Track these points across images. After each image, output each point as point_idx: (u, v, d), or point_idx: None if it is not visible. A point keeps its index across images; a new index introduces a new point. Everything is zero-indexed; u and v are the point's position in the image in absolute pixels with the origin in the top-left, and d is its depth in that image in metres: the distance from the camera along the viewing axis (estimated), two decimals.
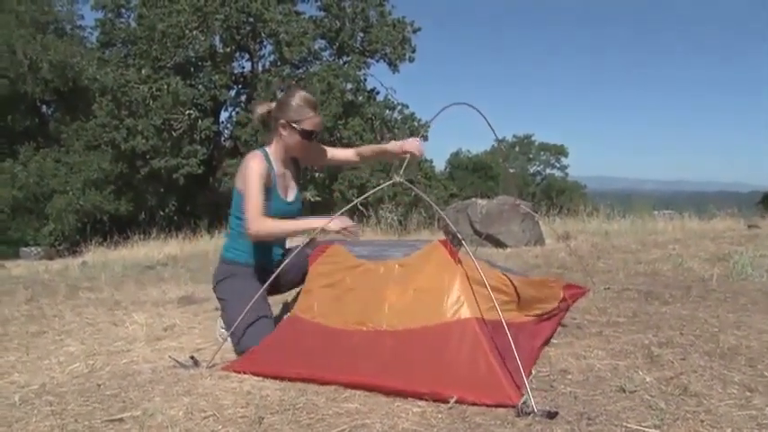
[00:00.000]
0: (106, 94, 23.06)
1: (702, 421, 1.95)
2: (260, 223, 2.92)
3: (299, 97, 3.09)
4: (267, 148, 3.14)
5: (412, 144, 3.18)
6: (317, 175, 22.57)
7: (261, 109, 3.24)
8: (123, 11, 25.87)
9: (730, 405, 2.08)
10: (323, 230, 2.91)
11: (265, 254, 3.18)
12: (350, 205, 3.40)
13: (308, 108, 3.07)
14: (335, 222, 2.89)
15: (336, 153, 3.46)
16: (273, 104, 3.18)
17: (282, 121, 3.08)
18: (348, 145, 22.09)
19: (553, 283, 3.18)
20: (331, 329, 2.56)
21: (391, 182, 2.83)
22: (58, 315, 4.29)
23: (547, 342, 2.85)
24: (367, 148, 3.44)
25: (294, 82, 23.13)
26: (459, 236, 2.53)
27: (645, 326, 3.21)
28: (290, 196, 3.21)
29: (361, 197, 3.31)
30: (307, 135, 3.09)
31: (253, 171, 2.97)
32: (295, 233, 3.12)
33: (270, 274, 2.88)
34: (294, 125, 3.06)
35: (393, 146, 3.25)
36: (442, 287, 2.45)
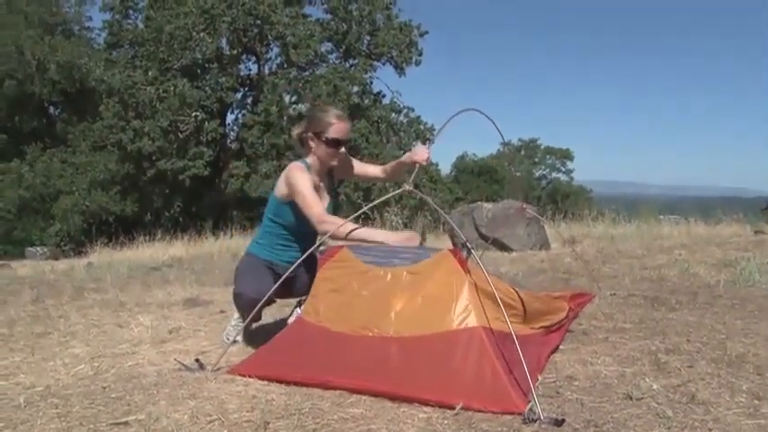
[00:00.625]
0: (113, 96, 23.12)
1: (710, 430, 1.94)
2: (329, 222, 2.98)
3: (322, 109, 3.24)
4: (307, 160, 3.22)
5: (420, 155, 3.24)
6: None
7: (295, 130, 3.32)
8: (131, 12, 25.96)
9: (738, 414, 2.07)
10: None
11: (285, 253, 3.25)
12: (359, 212, 3.42)
13: (331, 117, 3.15)
14: (398, 241, 2.93)
15: (365, 168, 3.54)
16: (304, 123, 3.28)
17: (309, 133, 3.17)
18: (354, 148, 22.08)
19: (559, 296, 3.17)
20: (337, 334, 2.55)
21: (401, 190, 2.90)
22: (63, 316, 4.29)
23: (554, 352, 2.84)
24: (389, 166, 3.51)
25: (301, 85, 23.15)
26: (468, 245, 2.53)
27: (651, 332, 3.19)
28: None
29: (372, 204, 3.34)
30: (333, 144, 3.15)
31: (302, 179, 3.07)
32: (359, 239, 3.12)
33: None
34: (320, 136, 3.13)
35: (405, 157, 3.33)
36: (451, 295, 2.45)
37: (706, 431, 1.93)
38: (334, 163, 3.24)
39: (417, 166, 3.22)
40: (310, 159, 3.21)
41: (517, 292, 2.72)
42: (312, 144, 3.17)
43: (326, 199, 3.27)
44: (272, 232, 3.24)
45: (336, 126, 3.13)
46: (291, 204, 3.11)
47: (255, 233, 3.51)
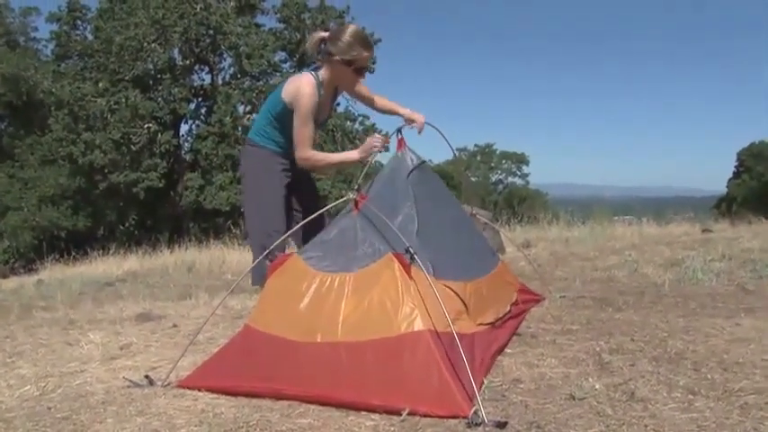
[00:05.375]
0: (62, 108, 22.66)
1: (646, 426, 2.01)
2: (307, 153, 3.21)
3: (351, 33, 3.19)
4: (320, 74, 3.26)
5: (420, 117, 3.44)
6: None
7: (315, 36, 3.35)
8: (79, 23, 25.51)
9: (674, 408, 2.14)
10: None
11: (286, 144, 3.38)
12: (310, 217, 3.42)
13: (360, 46, 3.18)
14: (365, 150, 3.15)
15: (362, 89, 3.60)
16: (327, 34, 3.27)
17: (337, 58, 3.18)
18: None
19: (511, 279, 3.22)
20: (284, 341, 2.56)
21: (344, 199, 2.93)
22: (9, 336, 4.18)
23: (501, 351, 2.89)
24: (382, 100, 3.63)
25: (255, 95, 22.99)
26: (411, 250, 2.56)
27: (598, 333, 3.27)
28: (320, 120, 3.40)
29: (324, 209, 3.34)
30: (360, 72, 3.28)
31: (306, 104, 3.16)
32: (334, 165, 3.47)
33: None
34: (349, 63, 3.19)
35: (405, 111, 3.50)
36: (396, 300, 2.48)
37: (642, 427, 2.00)
38: (350, 88, 3.42)
39: (409, 125, 3.41)
40: (324, 74, 3.25)
41: (458, 287, 2.76)
42: (336, 66, 3.20)
43: (325, 112, 3.40)
44: (272, 126, 3.34)
45: (367, 56, 3.22)
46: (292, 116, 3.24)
47: (255, 121, 3.60)
